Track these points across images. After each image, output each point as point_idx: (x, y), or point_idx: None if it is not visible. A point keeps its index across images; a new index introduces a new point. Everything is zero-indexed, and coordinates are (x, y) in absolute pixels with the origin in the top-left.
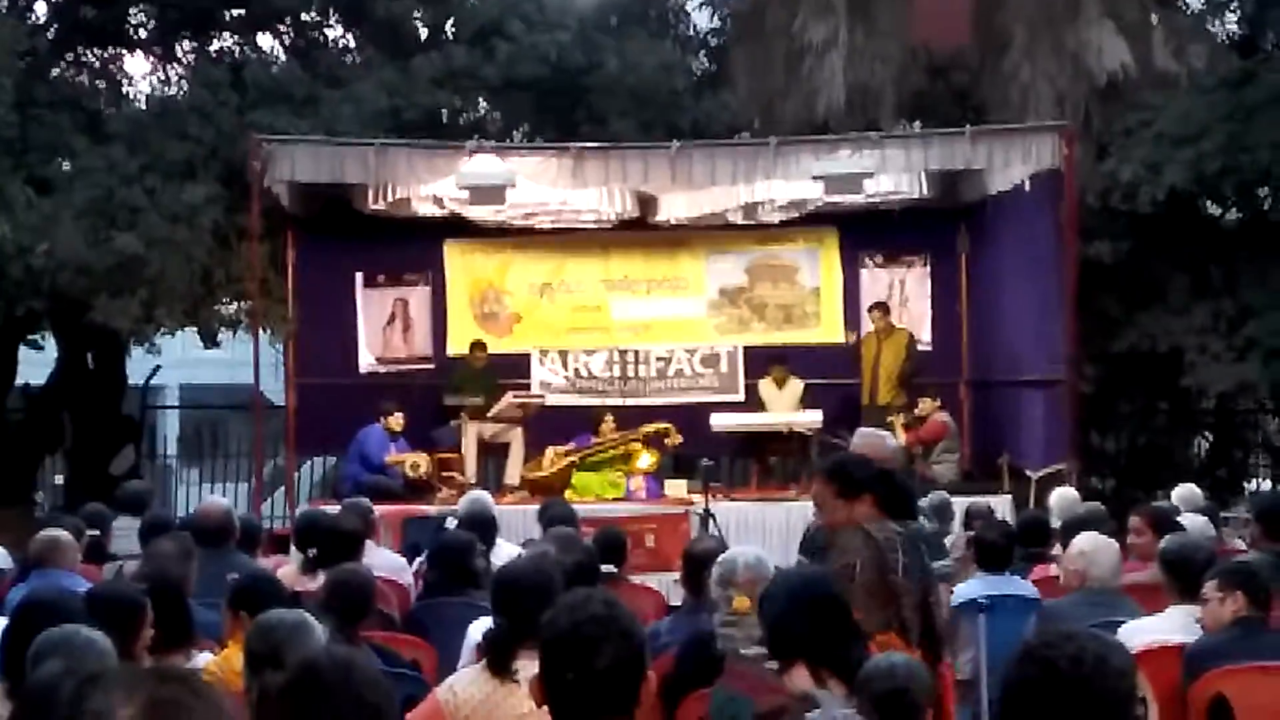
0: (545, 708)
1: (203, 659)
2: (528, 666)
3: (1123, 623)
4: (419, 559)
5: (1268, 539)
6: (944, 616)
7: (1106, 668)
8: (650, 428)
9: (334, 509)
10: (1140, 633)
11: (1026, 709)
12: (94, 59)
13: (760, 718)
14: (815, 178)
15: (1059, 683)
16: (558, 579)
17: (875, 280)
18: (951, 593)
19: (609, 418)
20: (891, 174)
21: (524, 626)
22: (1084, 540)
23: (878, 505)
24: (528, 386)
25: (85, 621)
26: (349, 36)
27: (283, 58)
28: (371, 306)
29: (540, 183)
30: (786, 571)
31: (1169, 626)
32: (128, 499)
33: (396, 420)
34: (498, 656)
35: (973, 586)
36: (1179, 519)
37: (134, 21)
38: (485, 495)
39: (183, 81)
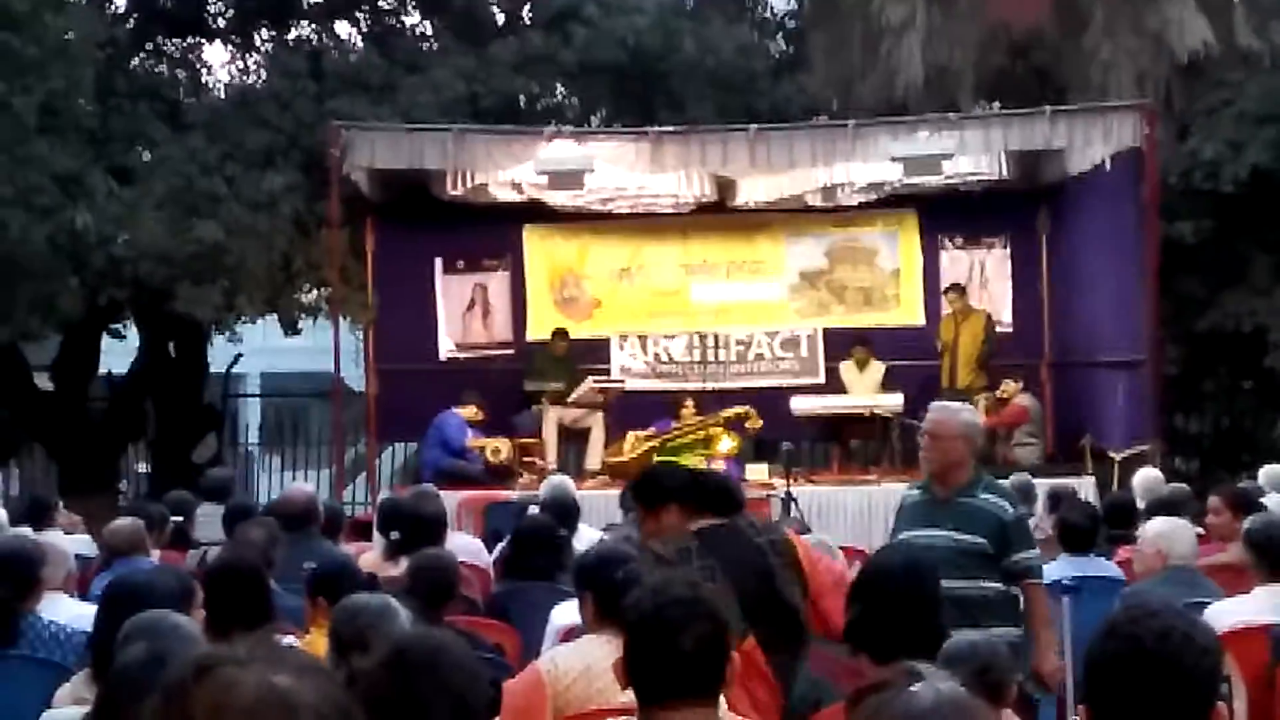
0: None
1: (287, 644)
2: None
3: (1208, 603)
4: (500, 544)
5: None
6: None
7: (1193, 644)
8: (731, 412)
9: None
10: (1226, 614)
11: (1113, 685)
12: (173, 49)
13: (861, 692)
14: (894, 160)
15: (1145, 659)
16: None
17: (955, 262)
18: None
19: (689, 402)
20: (971, 155)
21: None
22: (1161, 523)
23: (689, 510)
24: (608, 371)
25: (173, 607)
26: (426, 23)
27: (360, 45)
28: (451, 292)
29: (619, 167)
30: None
31: (1256, 607)
32: (211, 486)
33: (474, 412)
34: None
35: (1057, 568)
36: (1263, 499)
37: (212, 11)
38: (567, 480)
39: (261, 70)
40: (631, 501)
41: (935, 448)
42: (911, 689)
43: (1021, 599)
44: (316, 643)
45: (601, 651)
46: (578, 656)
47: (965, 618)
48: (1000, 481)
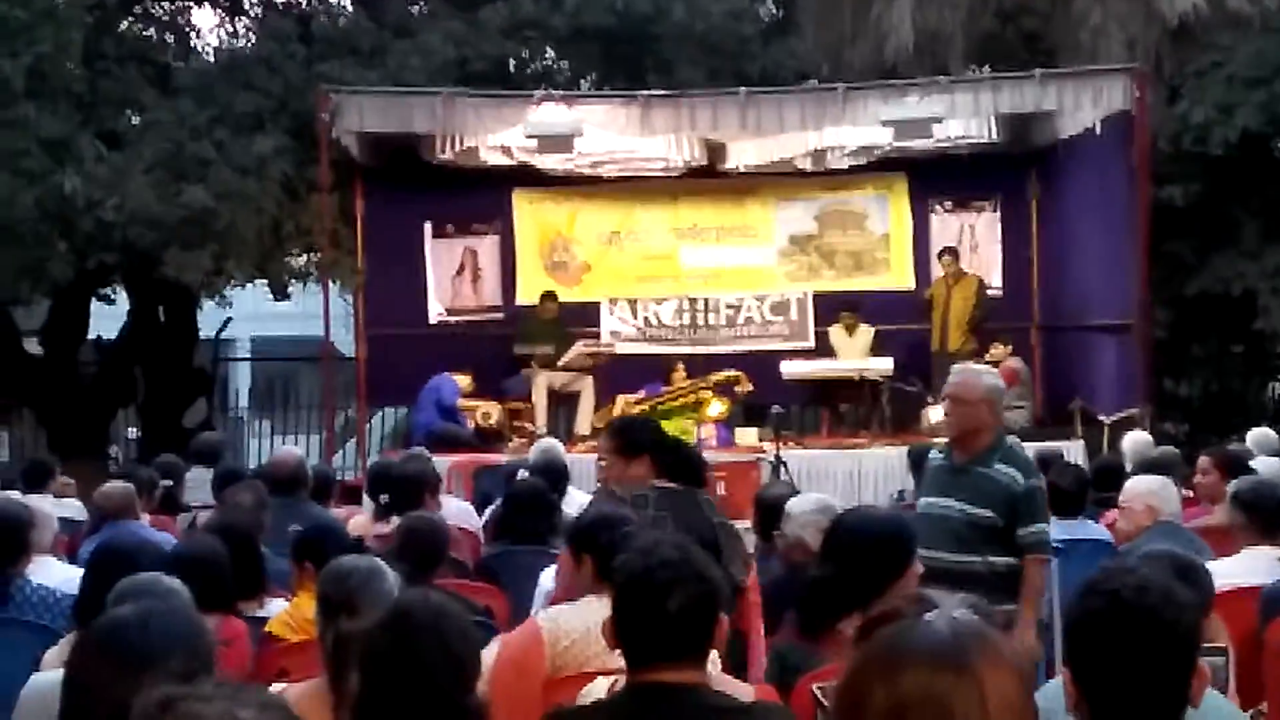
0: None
1: (276, 606)
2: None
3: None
4: (490, 508)
5: None
6: (739, 573)
7: (1171, 599)
8: (720, 376)
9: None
10: (1216, 575)
11: (1093, 641)
12: (162, 12)
13: (872, 620)
14: (884, 123)
15: (1124, 613)
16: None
17: (945, 226)
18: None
19: (679, 366)
20: (961, 118)
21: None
22: (1149, 480)
23: (656, 468)
24: (597, 335)
25: (164, 570)
26: None
27: (350, 9)
28: (440, 257)
29: (608, 131)
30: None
31: (1245, 568)
32: (201, 450)
33: (469, 383)
34: None
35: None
36: (1252, 462)
37: None
38: (557, 444)
39: (250, 34)
40: (607, 442)
41: (957, 412)
42: (925, 618)
43: None
44: (304, 606)
45: (602, 614)
46: (579, 618)
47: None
48: (1020, 449)
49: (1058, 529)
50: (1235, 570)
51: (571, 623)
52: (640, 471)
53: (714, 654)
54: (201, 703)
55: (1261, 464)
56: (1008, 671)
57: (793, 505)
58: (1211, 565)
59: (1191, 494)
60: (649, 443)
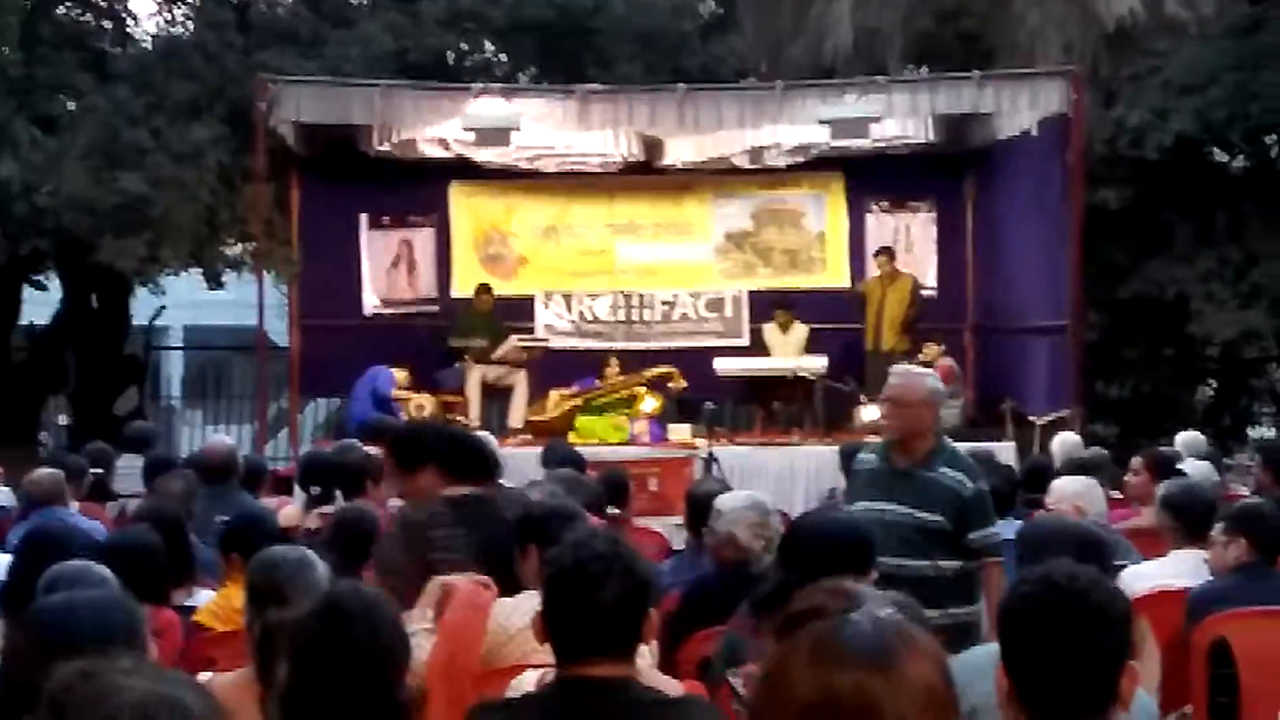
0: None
1: (204, 596)
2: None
3: (1124, 565)
4: None
5: (1277, 484)
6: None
7: (1101, 585)
8: (654, 371)
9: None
10: (1143, 577)
11: (1026, 628)
12: None
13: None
14: (822, 122)
15: (1058, 596)
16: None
17: (881, 225)
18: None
19: (613, 361)
20: (898, 118)
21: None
22: (1075, 481)
23: (448, 475)
24: (532, 329)
25: (92, 557)
26: None
27: None
28: (376, 248)
29: (546, 125)
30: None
31: (1172, 571)
32: (133, 437)
33: (405, 377)
34: None
35: None
36: (1182, 465)
37: None
38: (489, 438)
39: (188, 21)
40: (387, 460)
41: (897, 415)
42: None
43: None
44: (231, 596)
45: None
46: (520, 614)
47: (922, 599)
48: (962, 451)
49: None
50: (1163, 572)
51: (515, 619)
52: (428, 482)
53: (645, 648)
54: (123, 676)
55: (1190, 467)
56: (931, 665)
57: (723, 502)
58: (1139, 568)
59: (1121, 495)
60: (429, 450)
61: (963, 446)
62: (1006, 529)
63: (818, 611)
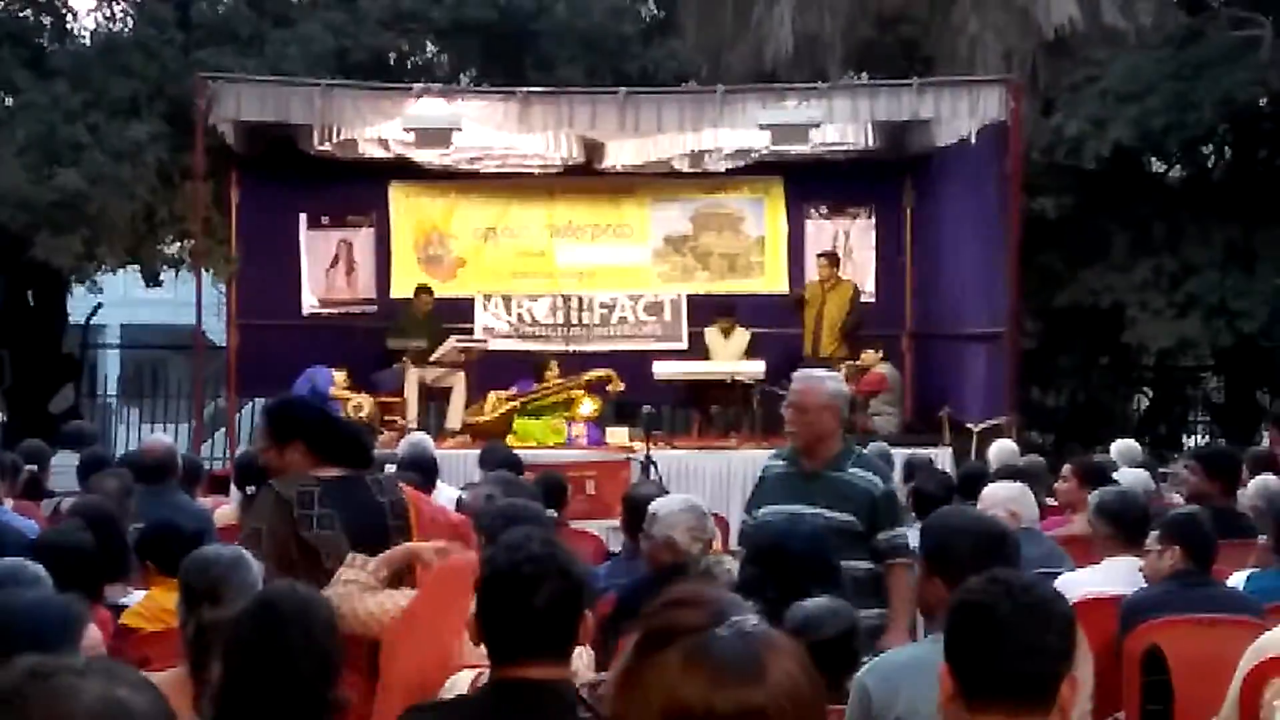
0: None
1: (137, 596)
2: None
3: (1059, 572)
4: None
5: (1209, 479)
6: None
7: (1044, 585)
8: (593, 374)
9: None
10: (1076, 584)
11: (972, 626)
12: None
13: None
14: (762, 127)
15: (1006, 593)
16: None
17: (820, 231)
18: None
19: (552, 364)
20: (838, 124)
21: None
22: (1008, 486)
23: (319, 457)
24: (471, 331)
25: (23, 554)
26: None
27: None
28: (315, 248)
29: (486, 126)
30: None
31: (1105, 578)
32: (68, 435)
33: (343, 379)
34: None
35: (911, 537)
36: (1116, 474)
37: None
38: (426, 438)
39: (128, 18)
40: (261, 430)
41: (801, 421)
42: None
43: None
44: (158, 597)
45: None
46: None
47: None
48: (870, 454)
49: (917, 532)
50: (1096, 580)
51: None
52: (296, 459)
53: (581, 650)
54: (76, 677)
55: (1125, 475)
56: (797, 665)
57: (658, 506)
58: (1072, 575)
59: (1055, 503)
60: (303, 426)
61: (900, 452)
62: None
63: (683, 627)
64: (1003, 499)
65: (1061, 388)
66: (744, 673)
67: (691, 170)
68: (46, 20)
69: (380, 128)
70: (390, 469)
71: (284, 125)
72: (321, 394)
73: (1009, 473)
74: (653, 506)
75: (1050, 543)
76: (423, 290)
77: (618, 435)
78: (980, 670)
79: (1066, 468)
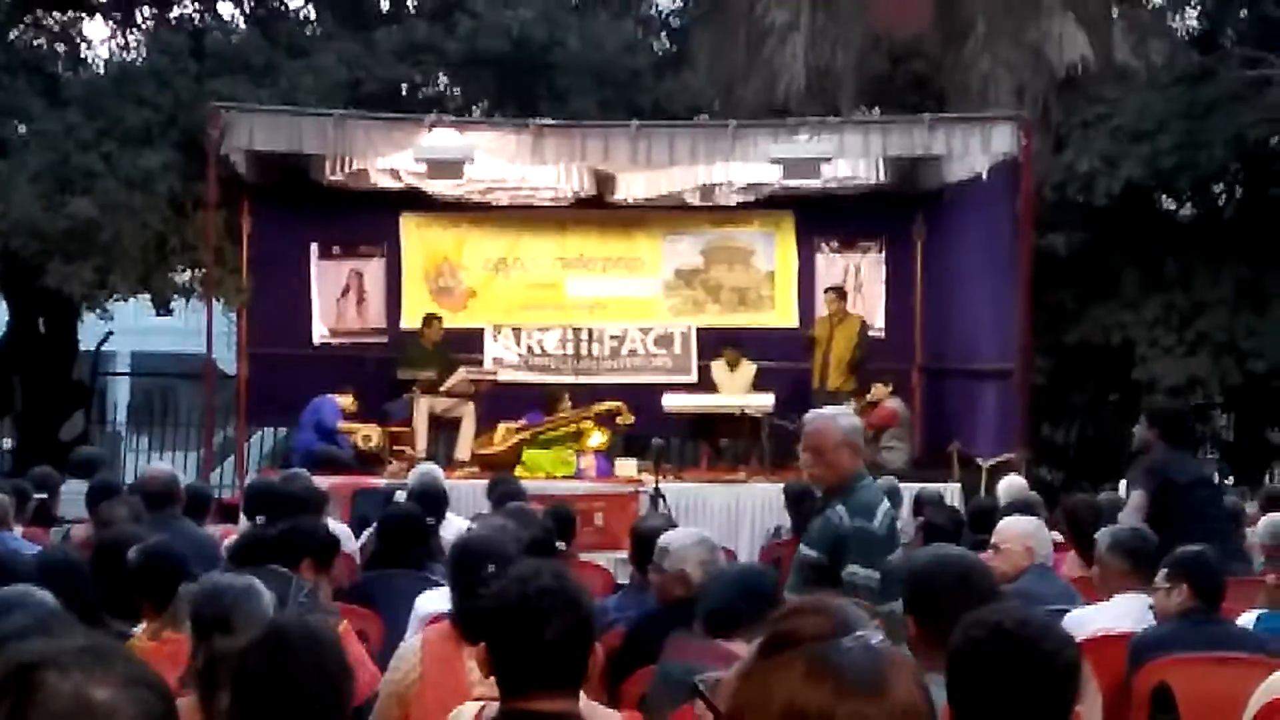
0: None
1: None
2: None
3: (1068, 610)
4: (367, 531)
5: (1163, 441)
6: None
7: (1051, 632)
8: (602, 406)
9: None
10: (1087, 621)
11: (974, 671)
12: (53, 23)
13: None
14: (773, 161)
15: (1006, 642)
16: (511, 551)
17: (830, 265)
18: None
19: (562, 395)
20: (849, 159)
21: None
22: (1025, 521)
23: None
24: (481, 362)
25: (34, 582)
26: (310, 7)
27: (243, 26)
28: (326, 278)
29: (499, 158)
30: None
31: (1116, 615)
32: (79, 462)
33: (350, 402)
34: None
35: None
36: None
37: None
38: (435, 469)
39: (142, 47)
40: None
41: (821, 462)
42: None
43: None
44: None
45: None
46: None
47: None
48: (864, 491)
49: None
50: (1107, 616)
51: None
52: None
53: None
54: (57, 673)
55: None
56: (915, 685)
57: (669, 540)
58: (1084, 611)
59: (1061, 539)
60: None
61: (909, 487)
62: None
63: (806, 633)
64: (1018, 534)
65: (1071, 424)
66: (867, 685)
67: (703, 204)
68: (61, 48)
69: (392, 158)
70: (400, 497)
71: (296, 155)
72: (328, 429)
73: (1014, 507)
74: (664, 539)
75: (1063, 581)
76: (432, 319)
77: (627, 467)
78: (974, 713)
79: (1057, 511)
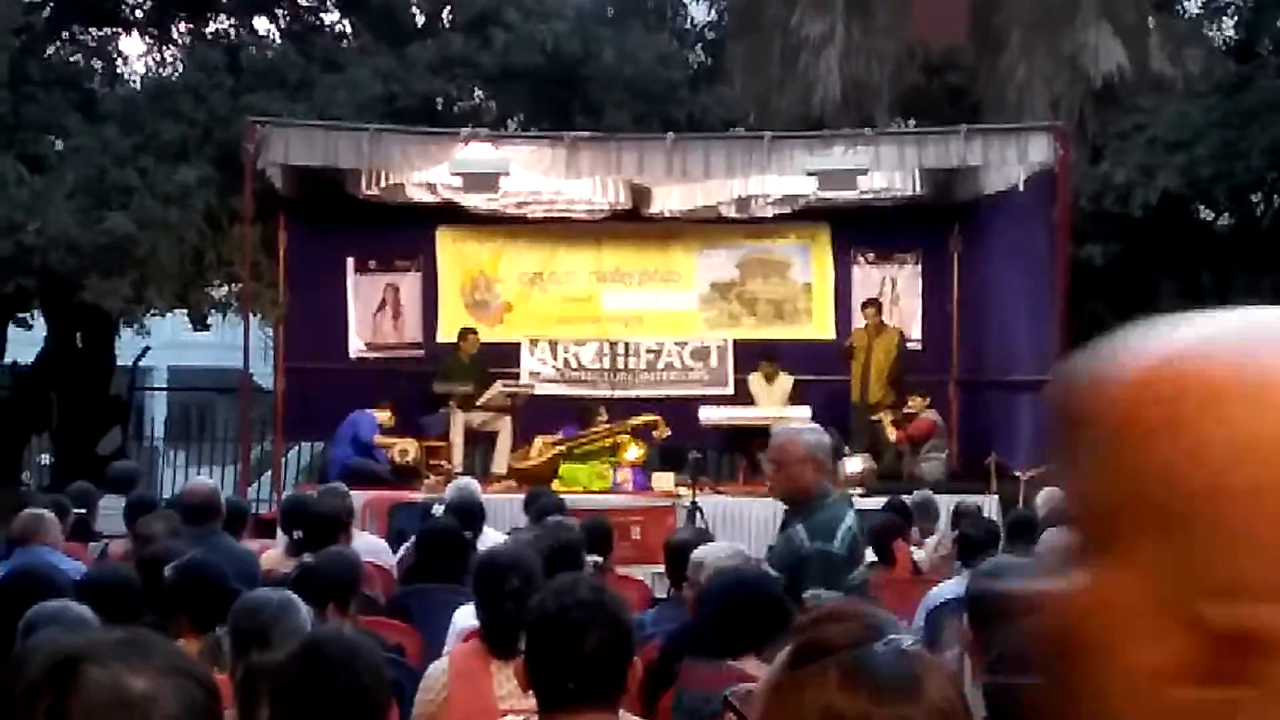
0: (530, 691)
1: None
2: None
3: None
4: (405, 545)
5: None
6: None
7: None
8: (638, 420)
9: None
10: None
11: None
12: (90, 38)
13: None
14: (809, 173)
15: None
16: (535, 564)
17: (867, 277)
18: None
19: (598, 409)
20: (885, 171)
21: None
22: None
23: None
24: (517, 376)
25: (72, 597)
26: (345, 21)
27: (278, 41)
28: (362, 292)
29: (534, 172)
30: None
31: None
32: (115, 477)
33: (388, 416)
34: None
35: (956, 585)
36: None
37: (130, 2)
38: (473, 483)
39: (178, 62)
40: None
41: (777, 476)
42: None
43: None
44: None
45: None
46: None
47: None
48: (825, 510)
49: (963, 580)
50: None
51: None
52: None
53: None
54: (97, 666)
55: None
56: (950, 685)
57: (705, 553)
58: None
59: None
60: None
61: (946, 499)
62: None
63: (837, 642)
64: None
65: None
66: (903, 690)
67: (738, 216)
68: (97, 64)
69: (428, 172)
70: (438, 511)
71: (332, 169)
72: (365, 442)
73: (1053, 517)
74: (698, 553)
75: None
76: (468, 332)
77: (663, 481)
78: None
79: None
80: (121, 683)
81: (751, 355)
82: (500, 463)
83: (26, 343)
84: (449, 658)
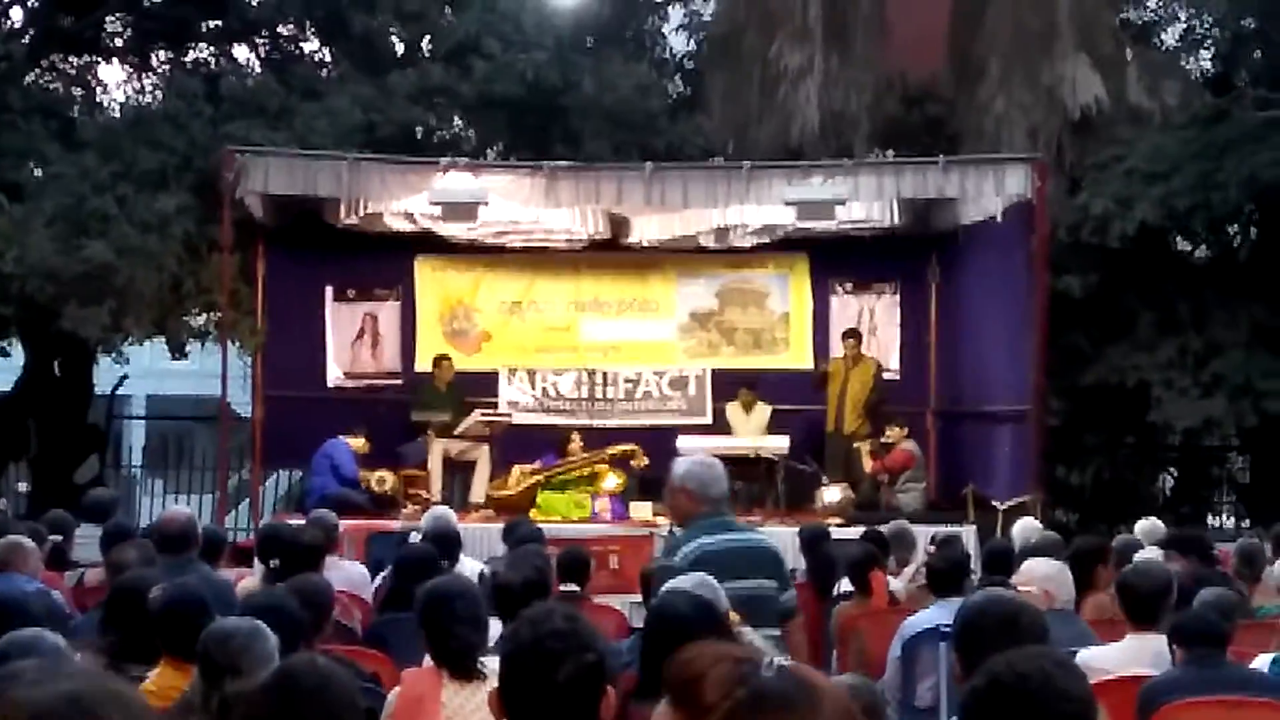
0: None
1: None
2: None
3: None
4: (382, 574)
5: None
6: None
7: (1051, 687)
8: (617, 449)
9: (298, 522)
10: (1096, 660)
11: (992, 712)
12: (69, 66)
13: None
14: (787, 203)
15: (1022, 682)
16: (476, 590)
17: (845, 307)
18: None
19: (576, 438)
20: (864, 201)
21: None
22: (1045, 564)
23: None
24: (495, 405)
25: (47, 625)
26: (325, 51)
27: (258, 70)
28: (341, 321)
29: (513, 201)
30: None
31: (1126, 655)
32: (92, 506)
33: (362, 444)
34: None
35: (932, 614)
36: (1137, 553)
37: (110, 30)
38: (449, 511)
39: (157, 91)
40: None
41: (667, 503)
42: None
43: None
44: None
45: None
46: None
47: None
48: (687, 533)
49: (944, 611)
50: (1117, 657)
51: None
52: None
53: None
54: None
55: (1148, 553)
56: (834, 687)
57: (674, 584)
58: (1096, 651)
59: None
60: None
61: (924, 529)
62: (946, 611)
63: (718, 676)
64: (1040, 576)
65: (1087, 466)
66: (807, 701)
67: (717, 246)
68: (77, 92)
69: (407, 201)
70: (415, 539)
71: (311, 198)
72: (346, 475)
73: (1029, 549)
74: (669, 584)
75: (1083, 624)
76: (441, 360)
77: (641, 510)
78: None
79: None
80: (63, 689)
81: (730, 384)
82: (479, 492)
83: (4, 370)
84: (398, 688)
